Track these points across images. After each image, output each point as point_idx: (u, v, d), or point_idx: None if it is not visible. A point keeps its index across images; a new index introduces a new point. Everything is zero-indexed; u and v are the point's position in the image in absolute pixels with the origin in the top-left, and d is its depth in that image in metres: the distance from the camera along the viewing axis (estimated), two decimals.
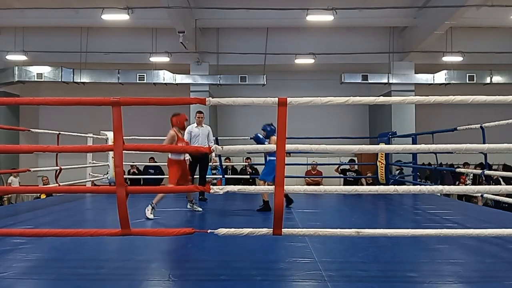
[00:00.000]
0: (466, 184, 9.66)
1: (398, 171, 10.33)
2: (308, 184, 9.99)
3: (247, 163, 10.11)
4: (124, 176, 2.81)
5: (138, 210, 5.26)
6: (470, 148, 2.78)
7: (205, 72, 12.06)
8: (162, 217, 4.97)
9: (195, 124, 6.45)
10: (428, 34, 10.37)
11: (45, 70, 11.48)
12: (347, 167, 9.97)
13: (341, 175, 9.83)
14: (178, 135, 5.17)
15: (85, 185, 8.18)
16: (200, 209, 5.60)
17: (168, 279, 2.65)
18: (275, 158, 4.99)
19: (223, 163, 9.30)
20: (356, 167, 9.99)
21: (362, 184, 9.74)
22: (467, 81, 11.47)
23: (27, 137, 12.34)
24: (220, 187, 2.68)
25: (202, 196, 6.68)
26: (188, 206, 5.65)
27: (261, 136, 5.54)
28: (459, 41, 11.19)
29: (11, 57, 11.68)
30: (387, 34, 11.89)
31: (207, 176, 9.90)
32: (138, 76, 11.65)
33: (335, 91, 12.12)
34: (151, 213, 4.91)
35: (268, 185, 5.39)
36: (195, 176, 6.43)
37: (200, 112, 6.43)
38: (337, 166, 10.17)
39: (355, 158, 11.08)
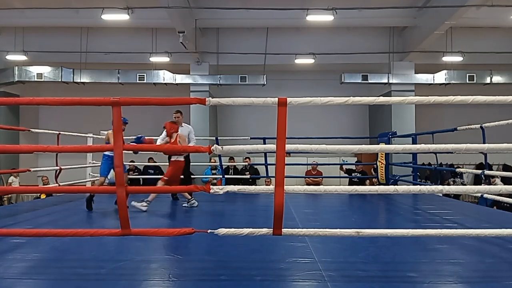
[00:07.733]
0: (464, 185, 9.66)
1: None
2: (308, 184, 9.98)
3: (246, 163, 10.10)
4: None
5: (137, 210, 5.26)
6: (470, 148, 2.78)
7: (205, 72, 12.06)
8: (162, 217, 4.97)
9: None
10: (428, 34, 10.36)
11: (45, 70, 11.48)
12: (353, 167, 9.83)
13: (346, 175, 9.72)
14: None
15: (85, 185, 8.17)
16: (196, 203, 5.76)
17: (168, 279, 2.65)
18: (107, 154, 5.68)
19: (227, 163, 9.24)
20: (362, 167, 9.89)
21: (366, 185, 9.67)
22: (467, 81, 11.46)
23: (27, 137, 12.34)
24: (220, 187, 2.67)
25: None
26: (185, 205, 5.77)
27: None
28: (459, 41, 11.19)
29: (11, 57, 11.69)
30: (387, 34, 11.89)
31: (207, 176, 10.00)
32: (138, 76, 11.64)
33: (335, 91, 12.14)
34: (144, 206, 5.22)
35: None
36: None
37: (176, 111, 6.03)
38: (341, 165, 10.05)
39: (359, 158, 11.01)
